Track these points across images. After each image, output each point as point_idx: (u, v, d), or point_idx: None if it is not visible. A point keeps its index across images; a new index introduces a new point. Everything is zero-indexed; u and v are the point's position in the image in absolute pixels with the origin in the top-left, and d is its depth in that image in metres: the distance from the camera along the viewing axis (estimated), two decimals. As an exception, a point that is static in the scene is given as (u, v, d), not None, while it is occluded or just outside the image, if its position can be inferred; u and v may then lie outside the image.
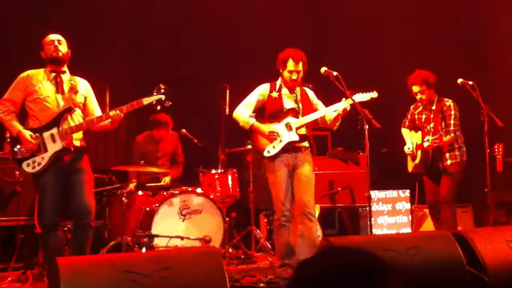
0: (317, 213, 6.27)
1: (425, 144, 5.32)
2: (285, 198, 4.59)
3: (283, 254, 4.59)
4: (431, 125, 5.47)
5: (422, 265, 3.22)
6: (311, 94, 4.92)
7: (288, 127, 4.68)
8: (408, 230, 6.60)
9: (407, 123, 5.72)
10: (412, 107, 5.69)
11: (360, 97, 4.73)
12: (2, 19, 6.35)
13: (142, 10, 7.58)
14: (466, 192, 6.73)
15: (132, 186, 5.88)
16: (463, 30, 7.39)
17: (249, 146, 6.02)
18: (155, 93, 4.35)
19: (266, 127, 4.66)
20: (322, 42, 7.65)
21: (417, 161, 5.54)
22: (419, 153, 5.51)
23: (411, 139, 5.65)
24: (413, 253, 3.27)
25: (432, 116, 5.47)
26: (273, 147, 4.63)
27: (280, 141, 4.63)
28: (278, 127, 4.67)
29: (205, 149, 6.31)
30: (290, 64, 4.67)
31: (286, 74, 4.71)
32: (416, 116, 5.64)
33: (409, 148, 5.58)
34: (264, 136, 4.66)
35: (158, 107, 4.41)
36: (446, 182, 5.42)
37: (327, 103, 4.84)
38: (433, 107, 5.46)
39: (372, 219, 4.86)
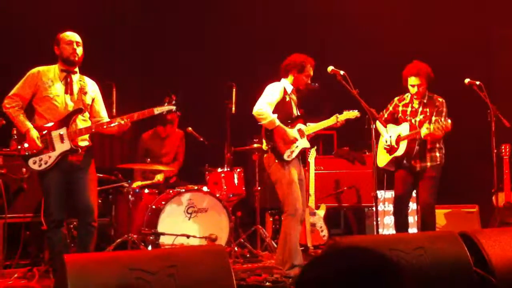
0: (322, 213, 6.29)
1: (423, 132, 4.99)
2: (299, 197, 4.64)
3: (294, 254, 4.58)
4: (419, 117, 5.21)
5: (428, 266, 3.20)
6: None
7: (301, 133, 4.73)
8: (414, 230, 6.57)
9: (385, 116, 5.40)
10: (397, 98, 5.43)
11: (347, 114, 4.89)
12: (5, 15, 6.35)
13: (149, 8, 7.59)
14: (473, 193, 6.71)
15: (135, 185, 5.87)
16: (470, 30, 7.35)
17: (256, 145, 6.01)
18: (166, 104, 4.38)
19: (290, 131, 4.68)
20: (327, 41, 7.62)
21: (397, 153, 5.20)
22: (403, 144, 5.20)
23: (387, 132, 5.35)
24: (420, 253, 3.25)
25: (421, 109, 5.24)
26: (291, 152, 4.67)
27: (297, 146, 4.70)
28: (294, 132, 4.74)
29: (211, 147, 6.31)
30: (309, 69, 4.76)
31: (303, 78, 4.76)
32: (400, 108, 5.36)
33: (386, 141, 5.28)
34: (287, 139, 4.64)
35: (168, 116, 4.45)
36: (428, 185, 5.18)
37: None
38: (425, 101, 5.25)
39: (378, 219, 4.83)
